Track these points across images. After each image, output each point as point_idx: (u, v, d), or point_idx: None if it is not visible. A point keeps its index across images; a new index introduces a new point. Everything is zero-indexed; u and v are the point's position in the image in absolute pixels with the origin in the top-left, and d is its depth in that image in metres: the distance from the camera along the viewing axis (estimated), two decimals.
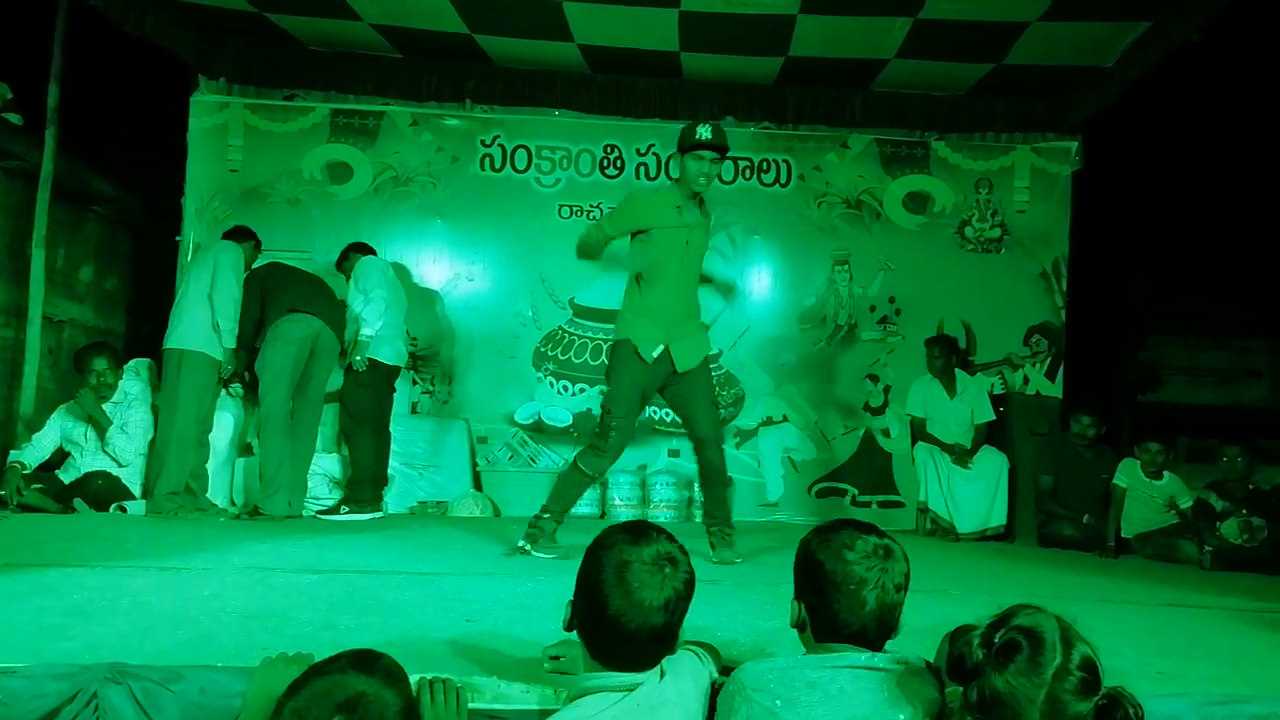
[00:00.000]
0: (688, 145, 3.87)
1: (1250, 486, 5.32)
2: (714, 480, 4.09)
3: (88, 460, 4.97)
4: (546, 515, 3.97)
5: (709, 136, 3.83)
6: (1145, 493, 5.35)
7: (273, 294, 5.04)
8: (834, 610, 1.60)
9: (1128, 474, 5.37)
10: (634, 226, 3.95)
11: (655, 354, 3.91)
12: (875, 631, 1.61)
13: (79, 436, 5.01)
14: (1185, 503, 5.25)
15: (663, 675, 1.61)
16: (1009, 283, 6.44)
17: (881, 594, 1.60)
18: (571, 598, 1.62)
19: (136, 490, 4.96)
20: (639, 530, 1.63)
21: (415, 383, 6.27)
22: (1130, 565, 4.95)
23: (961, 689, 1.45)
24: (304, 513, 5.10)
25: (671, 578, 1.57)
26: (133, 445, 5.00)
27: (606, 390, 4.07)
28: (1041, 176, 6.52)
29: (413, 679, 1.49)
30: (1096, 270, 6.76)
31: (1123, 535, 5.36)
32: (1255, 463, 5.41)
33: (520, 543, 3.93)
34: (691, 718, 1.63)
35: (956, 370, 5.94)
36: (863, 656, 1.58)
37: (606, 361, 4.32)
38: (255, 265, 5.29)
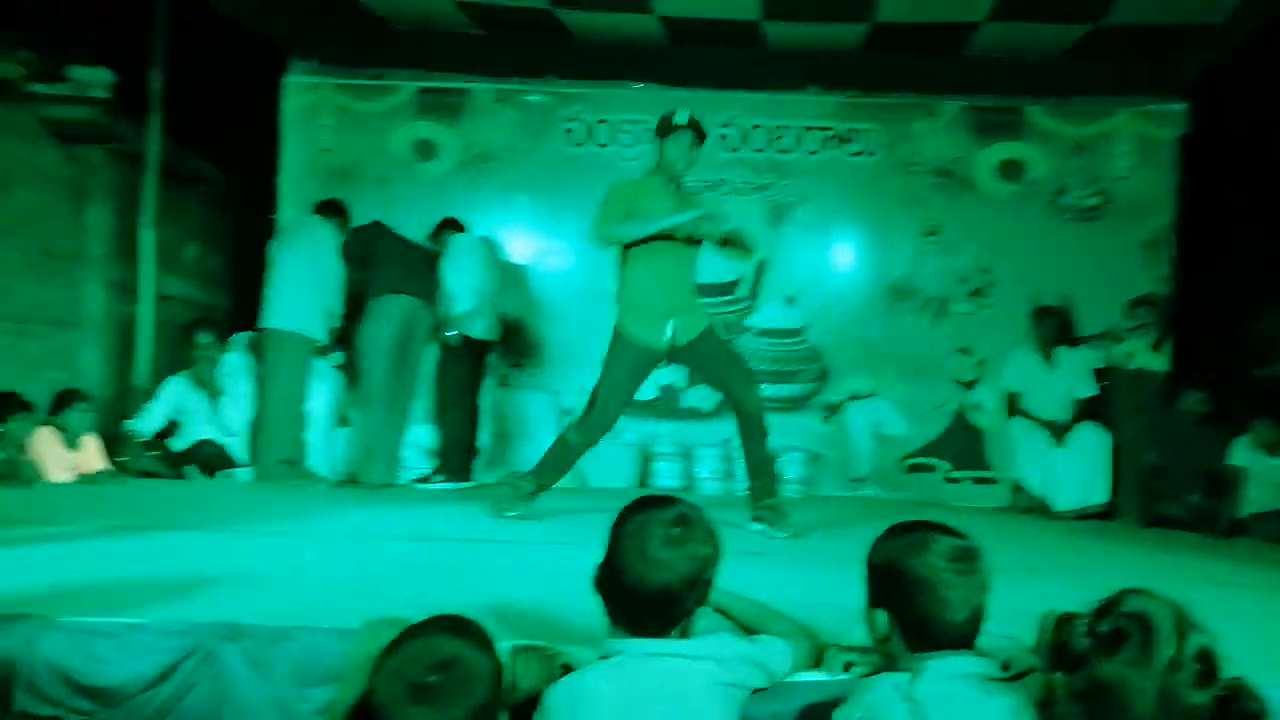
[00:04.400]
0: (666, 129, 3.89)
1: None
2: (758, 444, 3.90)
3: (198, 429, 5.23)
4: (527, 477, 4.04)
5: (684, 120, 3.86)
6: (1263, 472, 5.09)
7: (374, 267, 5.16)
8: (928, 619, 1.53)
9: (1243, 453, 5.12)
10: (622, 208, 3.91)
11: (664, 338, 3.88)
12: (969, 634, 1.57)
13: (191, 406, 5.27)
14: None
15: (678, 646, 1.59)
16: (1110, 252, 6.17)
17: (973, 595, 1.55)
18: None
19: (244, 458, 5.21)
20: (667, 498, 1.66)
21: (504, 356, 6.37)
22: (1244, 546, 4.73)
23: (1066, 677, 1.40)
24: (399, 482, 5.25)
25: (680, 539, 1.57)
26: (240, 415, 5.22)
27: (601, 374, 4.00)
28: (1145, 141, 6.21)
29: (504, 646, 1.53)
30: (1206, 239, 6.41)
31: (1237, 516, 5.13)
32: None
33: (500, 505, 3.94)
34: (705, 695, 1.57)
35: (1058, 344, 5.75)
36: (974, 662, 1.52)
37: None
38: (356, 225, 5.41)
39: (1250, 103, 6.34)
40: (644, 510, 1.62)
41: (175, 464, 5.07)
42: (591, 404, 3.96)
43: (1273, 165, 6.82)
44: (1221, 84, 5.96)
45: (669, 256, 3.90)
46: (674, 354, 3.99)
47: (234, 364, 5.35)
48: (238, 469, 5.14)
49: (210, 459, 5.11)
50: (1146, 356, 6.04)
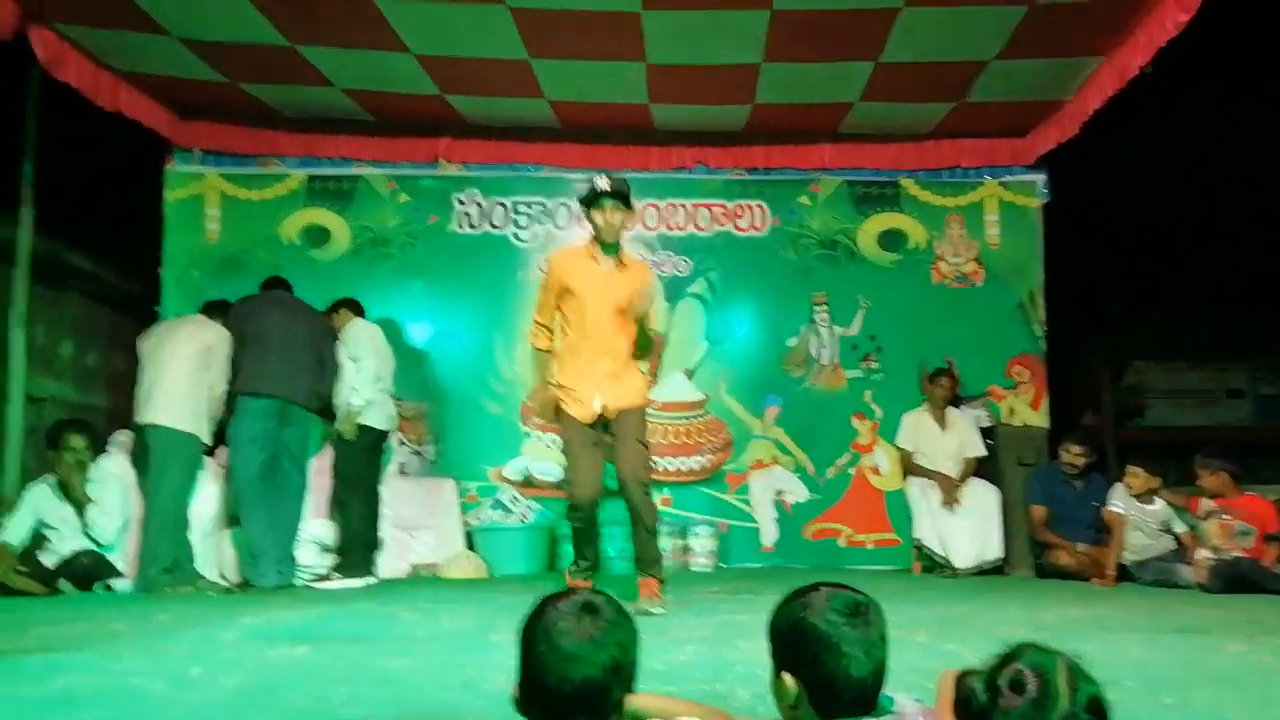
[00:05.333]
0: (589, 200, 4.02)
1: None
2: (635, 521, 3.99)
3: (67, 542, 4.85)
4: (575, 568, 4.10)
5: (606, 188, 3.98)
6: (1138, 518, 5.36)
7: (245, 357, 4.94)
8: (833, 677, 1.54)
9: (1121, 500, 5.37)
10: (559, 289, 4.07)
11: (594, 410, 4.00)
12: (874, 692, 1.59)
13: (57, 518, 4.88)
14: (1179, 526, 5.26)
15: None
16: (987, 316, 6.51)
17: (874, 649, 1.58)
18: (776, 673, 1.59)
19: (122, 568, 4.87)
20: (569, 590, 1.63)
21: (403, 444, 6.23)
22: (1130, 592, 4.93)
23: None
24: (295, 582, 5.02)
25: (592, 626, 1.53)
26: (114, 524, 4.91)
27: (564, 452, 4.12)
28: (1011, 210, 6.63)
29: None
30: (1073, 299, 6.85)
31: (1121, 563, 5.36)
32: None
33: None
34: None
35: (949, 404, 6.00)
36: None
37: None
38: (238, 304, 5.18)
39: (1100, 172, 6.88)
40: (547, 608, 1.59)
41: (47, 580, 4.67)
42: (568, 484, 4.04)
43: (1129, 228, 7.39)
44: (1074, 156, 6.44)
45: (598, 330, 4.02)
46: (611, 422, 4.05)
47: (108, 468, 5.00)
48: (117, 580, 4.78)
49: (86, 571, 4.74)
50: (1027, 413, 6.36)
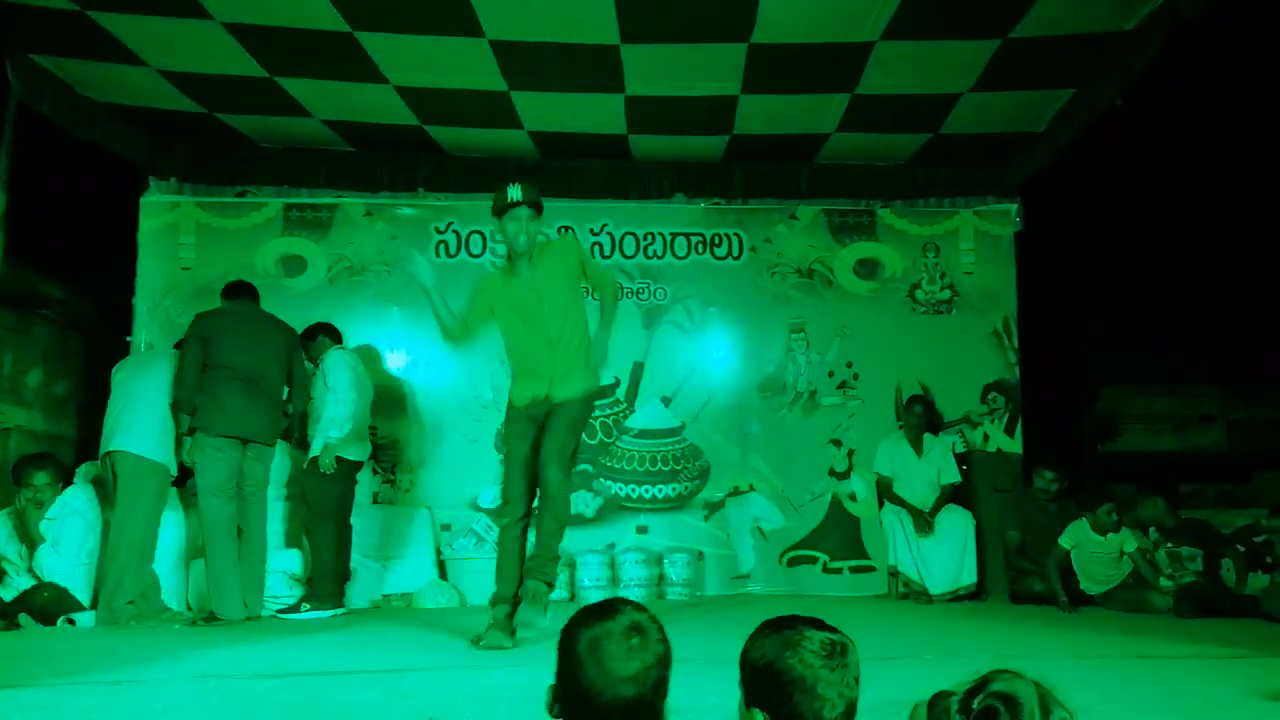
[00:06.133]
0: (500, 208, 4.00)
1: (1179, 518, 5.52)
2: (544, 507, 3.90)
3: (23, 578, 4.75)
4: (493, 592, 3.95)
5: (519, 196, 3.95)
6: (1098, 551, 5.37)
7: (204, 401, 4.79)
8: (806, 715, 1.53)
9: (1076, 534, 5.37)
10: (480, 307, 4.11)
11: (529, 398, 4.00)
12: None
13: (12, 554, 4.78)
14: (1130, 547, 5.29)
15: None
16: (962, 343, 6.55)
17: (846, 690, 1.56)
18: (552, 681, 1.58)
19: (85, 600, 4.76)
20: (609, 604, 1.62)
21: (376, 472, 6.17)
22: (1101, 618, 4.94)
23: None
24: (263, 613, 4.93)
25: (641, 648, 1.54)
26: (64, 562, 4.76)
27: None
28: (985, 238, 6.69)
29: None
30: (1047, 325, 6.91)
31: (1088, 594, 5.38)
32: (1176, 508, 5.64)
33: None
34: None
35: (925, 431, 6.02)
36: None
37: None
38: (201, 320, 5.02)
39: (1072, 201, 6.98)
40: (593, 626, 1.56)
41: (6, 614, 4.55)
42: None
43: (1103, 255, 7.47)
44: (1047, 185, 6.54)
45: (535, 339, 4.02)
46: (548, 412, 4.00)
47: (71, 503, 4.87)
48: (80, 614, 4.67)
49: (47, 605, 4.62)
50: (1002, 439, 6.39)
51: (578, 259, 4.14)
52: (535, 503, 4.00)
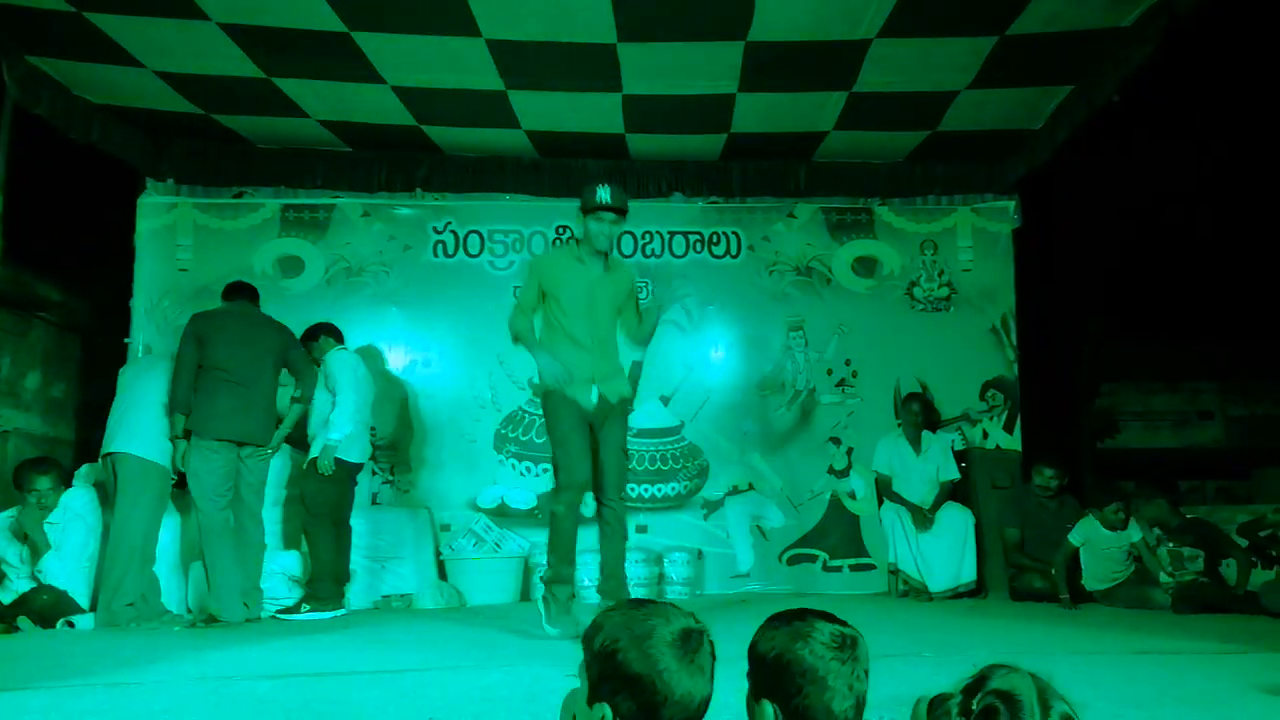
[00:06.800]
0: (589, 207, 4.06)
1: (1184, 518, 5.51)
2: (607, 535, 4.08)
3: (22, 581, 4.74)
4: (551, 575, 4.01)
5: (609, 199, 4.02)
6: (1107, 547, 5.35)
7: (199, 403, 4.75)
8: (814, 710, 1.52)
9: (1086, 531, 5.34)
10: (543, 286, 4.14)
11: (592, 398, 4.06)
12: None
13: (13, 557, 4.76)
14: (1136, 536, 5.28)
15: None
16: (960, 340, 6.55)
17: (856, 682, 1.56)
18: (591, 700, 1.51)
19: (84, 603, 4.76)
20: (656, 607, 1.58)
21: (375, 473, 6.16)
22: (1100, 614, 4.94)
23: None
24: (262, 614, 4.93)
25: (696, 654, 1.52)
26: (65, 566, 4.75)
27: (551, 439, 4.15)
28: (983, 235, 6.69)
29: None
30: (1046, 322, 6.91)
31: (1089, 591, 5.37)
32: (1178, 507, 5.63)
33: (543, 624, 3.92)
34: None
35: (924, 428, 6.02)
36: None
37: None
38: (198, 320, 4.95)
39: (1071, 198, 6.98)
40: (647, 628, 1.53)
41: (5, 617, 4.54)
42: (557, 468, 4.05)
43: (1101, 252, 7.48)
44: (1044, 182, 6.54)
45: (584, 331, 4.10)
46: (599, 419, 4.10)
47: (73, 506, 4.85)
48: (79, 616, 4.66)
49: (46, 607, 4.61)
50: (1000, 436, 6.40)
51: (632, 288, 4.33)
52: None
